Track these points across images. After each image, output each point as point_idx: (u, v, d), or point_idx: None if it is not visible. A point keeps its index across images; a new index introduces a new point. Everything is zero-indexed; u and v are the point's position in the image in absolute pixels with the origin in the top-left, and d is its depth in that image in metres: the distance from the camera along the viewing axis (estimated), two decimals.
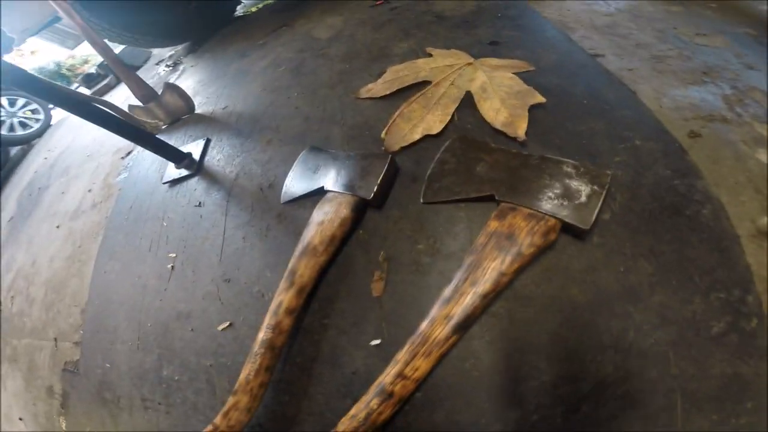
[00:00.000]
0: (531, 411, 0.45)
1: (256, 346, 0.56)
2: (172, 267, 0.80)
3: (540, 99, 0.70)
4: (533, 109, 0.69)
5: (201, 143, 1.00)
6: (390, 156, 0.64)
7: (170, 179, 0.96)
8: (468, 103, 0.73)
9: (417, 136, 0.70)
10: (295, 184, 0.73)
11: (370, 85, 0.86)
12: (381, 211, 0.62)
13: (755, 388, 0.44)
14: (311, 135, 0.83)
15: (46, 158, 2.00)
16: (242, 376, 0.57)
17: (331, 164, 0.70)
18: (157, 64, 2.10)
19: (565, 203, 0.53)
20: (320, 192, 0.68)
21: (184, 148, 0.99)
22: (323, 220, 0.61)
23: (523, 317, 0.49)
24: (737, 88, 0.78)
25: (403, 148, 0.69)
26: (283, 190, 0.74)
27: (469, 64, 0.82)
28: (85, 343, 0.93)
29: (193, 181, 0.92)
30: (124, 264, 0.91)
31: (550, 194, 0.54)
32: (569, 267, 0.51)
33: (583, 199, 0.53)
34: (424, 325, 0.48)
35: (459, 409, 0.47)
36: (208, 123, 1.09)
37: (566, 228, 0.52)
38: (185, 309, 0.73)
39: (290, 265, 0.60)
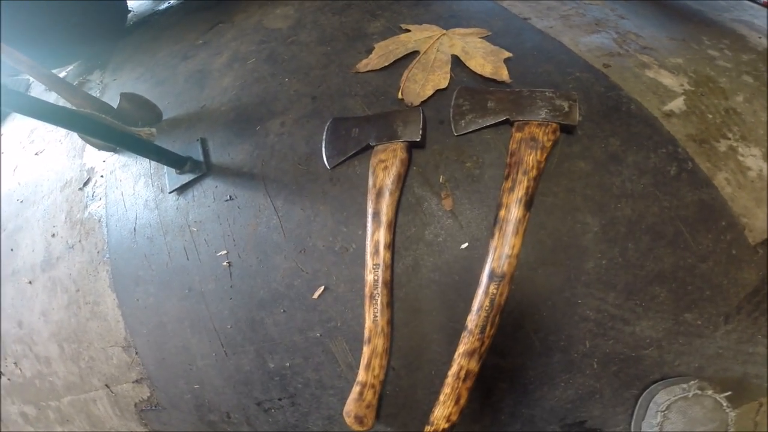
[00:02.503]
0: (589, 257, 0.72)
1: (370, 288, 0.71)
2: (229, 263, 0.86)
3: (508, 54, 1.01)
4: (506, 61, 1.00)
5: (196, 144, 1.05)
6: (420, 108, 0.86)
7: (177, 186, 0.99)
8: (457, 63, 1.00)
9: (429, 92, 0.93)
10: (336, 149, 0.88)
11: (365, 60, 1.07)
12: (425, 150, 0.84)
13: (717, 207, 0.76)
14: (326, 110, 0.98)
15: None
16: (368, 321, 0.71)
17: (367, 125, 0.88)
18: (47, 90, 1.91)
19: (557, 113, 0.83)
20: (366, 149, 0.86)
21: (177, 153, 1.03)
22: (385, 165, 0.80)
23: (557, 188, 0.77)
24: (619, 33, 1.22)
25: (423, 103, 0.92)
26: (325, 159, 0.88)
27: (443, 34, 1.10)
28: (154, 376, 0.92)
29: (209, 180, 0.98)
30: (159, 284, 0.92)
31: (546, 110, 0.83)
32: (570, 151, 0.82)
33: (567, 109, 0.84)
34: (501, 212, 0.71)
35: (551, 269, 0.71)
36: (188, 126, 1.14)
37: (562, 128, 0.82)
38: (266, 295, 0.82)
39: (370, 210, 0.77)
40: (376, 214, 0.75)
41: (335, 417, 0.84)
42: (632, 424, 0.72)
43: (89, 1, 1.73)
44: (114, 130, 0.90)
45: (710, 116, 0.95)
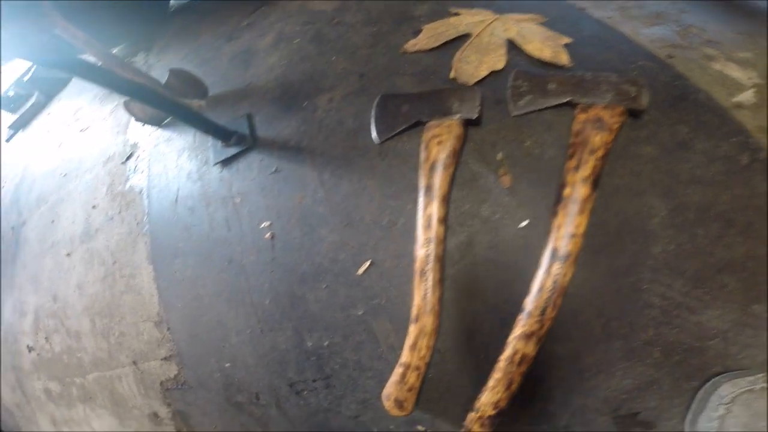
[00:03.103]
0: (656, 241, 0.70)
1: (421, 263, 0.70)
2: (272, 235, 0.87)
3: (568, 39, 1.00)
4: (564, 47, 0.99)
5: (242, 120, 1.07)
6: (478, 86, 0.86)
7: (222, 158, 1.02)
8: (512, 47, 1.00)
9: (484, 73, 0.92)
10: (385, 125, 0.88)
11: (413, 41, 1.07)
12: (481, 128, 0.83)
13: None
14: (374, 88, 0.99)
15: None
16: (417, 299, 0.69)
17: (418, 102, 0.88)
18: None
19: (624, 97, 0.81)
20: (417, 125, 0.86)
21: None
22: (439, 140, 0.79)
23: (623, 171, 0.75)
24: (681, 26, 1.19)
25: (477, 82, 0.91)
26: (374, 134, 0.88)
27: (496, 19, 1.09)
28: (184, 353, 0.93)
29: (254, 153, 0.99)
30: (197, 257, 0.94)
31: (612, 93, 0.82)
32: (637, 135, 0.79)
33: (634, 94, 0.83)
34: (566, 191, 0.69)
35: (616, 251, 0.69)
36: (234, 102, 1.17)
37: (629, 112, 0.80)
38: (309, 269, 0.81)
39: (423, 184, 0.76)
40: (429, 188, 0.74)
41: (370, 401, 0.83)
42: (687, 418, 0.68)
43: None
44: (168, 99, 0.94)
45: None
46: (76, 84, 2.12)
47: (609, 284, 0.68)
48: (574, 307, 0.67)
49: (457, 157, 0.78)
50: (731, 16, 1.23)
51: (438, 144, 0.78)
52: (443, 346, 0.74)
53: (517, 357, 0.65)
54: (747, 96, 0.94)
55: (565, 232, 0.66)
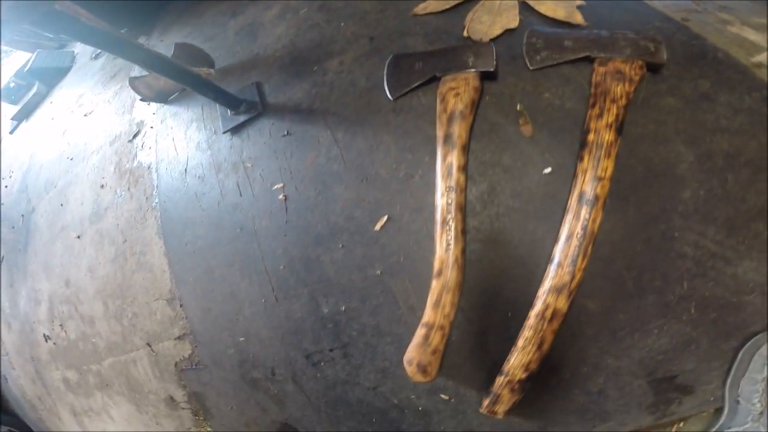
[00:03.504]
0: (686, 186, 0.67)
1: (443, 213, 0.67)
2: (285, 197, 0.85)
3: (581, 1, 0.99)
4: (579, 9, 0.98)
5: (252, 87, 1.05)
6: (490, 42, 0.84)
7: (231, 126, 1.00)
8: (525, 7, 0.99)
9: (498, 31, 0.91)
10: (399, 81, 0.86)
11: (423, 4, 1.06)
12: (498, 83, 0.81)
13: None
14: (385, 49, 0.96)
15: (6, 186, 1.93)
16: (439, 251, 0.66)
17: (431, 59, 0.86)
18: (94, 58, 2.01)
19: (643, 52, 0.79)
20: (431, 81, 0.84)
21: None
22: (457, 92, 0.77)
23: (646, 120, 0.72)
24: None
25: (491, 40, 0.90)
26: (388, 90, 0.86)
27: None
28: (197, 331, 0.92)
29: (264, 119, 0.98)
30: (209, 226, 0.92)
31: (630, 48, 0.80)
32: (658, 89, 0.77)
33: (653, 49, 0.81)
34: (590, 136, 0.67)
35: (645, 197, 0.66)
36: (241, 73, 1.15)
37: (648, 66, 0.78)
38: (324, 230, 0.80)
39: (441, 134, 0.74)
40: (449, 137, 0.72)
41: (390, 370, 0.79)
42: (728, 381, 0.65)
43: None
44: (180, 67, 0.93)
45: None
46: (77, 72, 2.11)
47: (639, 232, 0.65)
48: (604, 257, 0.65)
49: (475, 108, 0.76)
50: None
51: (455, 96, 0.76)
52: (467, 304, 0.71)
53: (549, 312, 0.62)
54: (766, 56, 0.92)
55: (592, 175, 0.64)
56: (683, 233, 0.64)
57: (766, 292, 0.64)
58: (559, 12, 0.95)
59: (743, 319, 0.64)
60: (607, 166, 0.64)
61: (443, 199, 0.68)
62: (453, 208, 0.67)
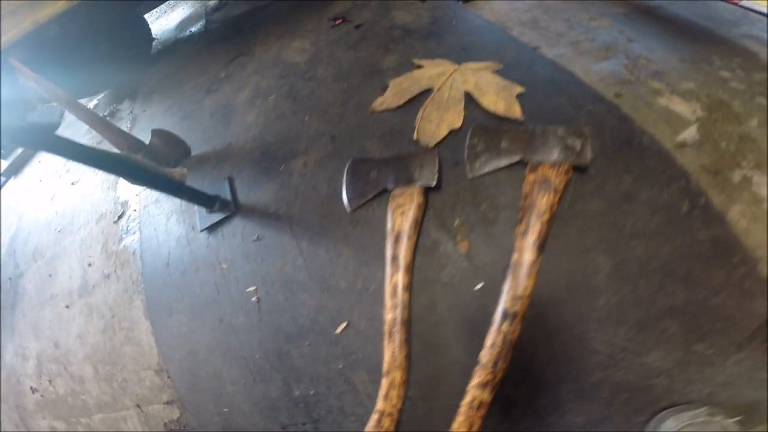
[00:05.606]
0: (601, 295, 0.76)
1: (389, 326, 0.78)
2: (258, 299, 0.95)
3: (521, 89, 1.05)
4: (518, 96, 1.04)
5: (224, 183, 1.14)
6: (435, 149, 0.92)
7: (208, 225, 1.09)
8: (470, 100, 1.06)
9: (444, 132, 0.99)
10: (355, 191, 0.95)
11: (380, 99, 1.13)
12: (441, 193, 0.89)
13: (730, 244, 0.78)
14: (345, 150, 1.05)
15: None
16: (387, 355, 0.77)
17: (385, 168, 0.94)
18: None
19: (570, 152, 0.87)
20: (383, 193, 0.92)
21: (205, 192, 1.12)
22: (402, 210, 0.86)
23: (570, 229, 0.81)
24: (630, 58, 1.23)
25: (437, 144, 0.97)
26: (346, 201, 0.95)
27: (456, 70, 1.15)
28: (185, 399, 1.00)
29: (237, 220, 1.07)
30: (191, 315, 1.01)
31: (558, 149, 0.87)
32: (583, 190, 0.86)
33: (579, 147, 0.88)
34: (514, 257, 0.76)
35: (562, 307, 0.76)
36: (216, 163, 1.23)
37: (575, 167, 0.86)
38: (293, 329, 0.90)
39: (389, 253, 0.83)
40: (395, 258, 0.81)
41: None
42: None
43: (116, 29, 1.85)
44: (148, 171, 0.98)
45: (724, 144, 0.96)
46: (66, 130, 2.15)
47: (556, 336, 0.76)
48: (526, 356, 0.76)
49: (419, 225, 0.85)
50: (677, 39, 1.25)
51: (401, 214, 0.85)
52: (415, 394, 0.82)
53: (476, 402, 0.73)
54: (690, 133, 0.99)
55: (513, 294, 0.73)
56: (597, 334, 0.74)
57: (672, 375, 0.73)
58: (499, 105, 1.02)
59: (652, 398, 0.74)
60: (528, 285, 0.73)
61: (390, 314, 0.78)
62: (398, 322, 0.77)
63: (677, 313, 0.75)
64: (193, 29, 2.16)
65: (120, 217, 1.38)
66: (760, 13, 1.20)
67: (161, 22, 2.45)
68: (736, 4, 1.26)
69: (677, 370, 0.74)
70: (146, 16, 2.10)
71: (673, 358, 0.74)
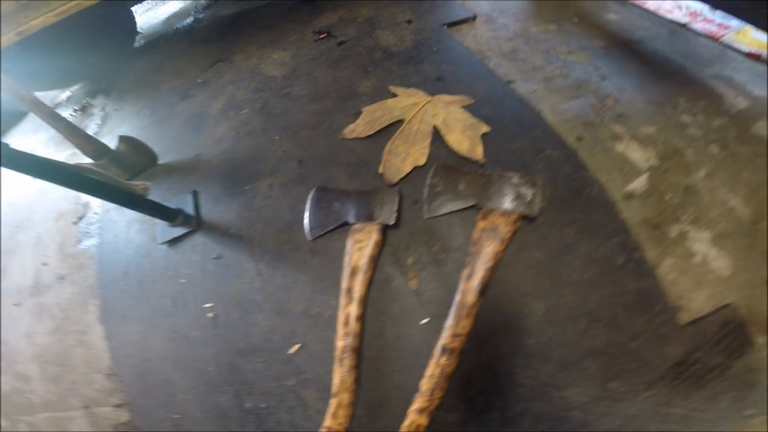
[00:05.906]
0: (531, 336, 0.83)
1: (340, 352, 0.81)
2: (215, 315, 0.97)
3: (486, 128, 1.10)
4: (483, 136, 1.09)
5: (188, 197, 1.14)
6: (398, 188, 0.96)
7: (169, 239, 1.08)
8: (437, 136, 1.09)
9: (408, 169, 1.03)
10: (317, 221, 0.98)
11: (351, 126, 1.15)
12: (398, 230, 0.94)
13: (655, 294, 0.86)
14: (312, 177, 1.08)
15: None
16: (336, 379, 0.81)
17: (347, 201, 0.98)
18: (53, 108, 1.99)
19: (520, 202, 0.92)
20: (344, 225, 0.96)
21: (169, 204, 1.11)
22: (360, 246, 0.89)
23: (512, 275, 0.87)
24: (599, 98, 1.29)
25: (401, 179, 1.01)
26: (307, 229, 0.98)
27: (428, 102, 1.18)
28: (135, 403, 1.02)
29: (198, 236, 1.08)
30: (146, 325, 1.02)
31: (510, 197, 0.93)
32: (528, 239, 0.92)
33: (530, 197, 0.94)
34: (457, 297, 0.81)
35: (496, 344, 0.82)
36: (183, 174, 1.23)
37: (524, 217, 0.91)
38: (246, 346, 0.92)
39: (344, 285, 0.86)
40: (350, 290, 0.85)
41: None
42: None
43: (101, 20, 1.79)
44: (107, 186, 0.95)
45: (669, 196, 1.02)
46: (32, 121, 2.07)
47: (488, 370, 0.82)
48: (460, 386, 0.82)
49: (376, 261, 0.89)
50: (650, 77, 1.29)
51: (359, 250, 0.88)
52: (361, 413, 0.87)
53: (413, 426, 0.78)
54: (640, 183, 1.05)
55: (452, 332, 0.79)
56: (523, 370, 0.82)
57: (587, 408, 0.81)
58: (463, 145, 1.07)
59: (569, 428, 0.82)
60: (466, 324, 0.79)
61: (341, 342, 0.82)
62: (348, 349, 0.81)
63: (598, 353, 0.82)
64: (179, 26, 2.10)
65: (80, 218, 1.36)
66: (739, 52, 1.26)
67: (149, 15, 2.38)
68: (717, 41, 1.30)
69: (592, 405, 0.81)
70: (135, 8, 2.03)
71: (589, 393, 0.82)
